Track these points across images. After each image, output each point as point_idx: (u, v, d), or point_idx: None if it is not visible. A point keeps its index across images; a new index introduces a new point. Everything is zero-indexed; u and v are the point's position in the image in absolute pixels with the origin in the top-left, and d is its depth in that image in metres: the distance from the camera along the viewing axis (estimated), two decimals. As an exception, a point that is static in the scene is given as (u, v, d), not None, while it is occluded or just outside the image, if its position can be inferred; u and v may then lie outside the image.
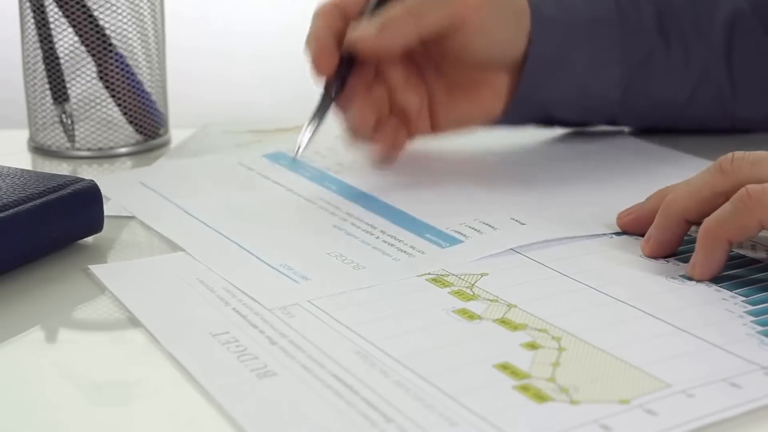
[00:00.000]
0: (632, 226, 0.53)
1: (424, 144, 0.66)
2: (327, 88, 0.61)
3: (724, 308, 0.45)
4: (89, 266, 0.52)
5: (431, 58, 0.65)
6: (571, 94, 0.66)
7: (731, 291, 0.47)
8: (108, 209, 0.57)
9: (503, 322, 0.44)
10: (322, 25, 0.62)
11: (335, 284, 0.48)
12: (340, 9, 0.62)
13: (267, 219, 0.57)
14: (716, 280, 0.48)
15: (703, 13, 0.68)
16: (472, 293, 0.47)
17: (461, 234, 0.53)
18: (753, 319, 0.44)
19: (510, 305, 0.46)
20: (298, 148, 0.61)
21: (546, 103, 0.66)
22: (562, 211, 0.57)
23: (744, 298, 0.46)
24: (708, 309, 0.45)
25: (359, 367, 0.41)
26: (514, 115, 0.66)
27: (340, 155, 0.65)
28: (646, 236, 0.51)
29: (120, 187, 0.62)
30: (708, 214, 0.48)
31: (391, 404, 0.38)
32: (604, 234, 0.54)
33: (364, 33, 0.60)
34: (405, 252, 0.52)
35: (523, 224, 0.54)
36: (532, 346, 0.42)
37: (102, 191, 0.55)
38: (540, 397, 0.38)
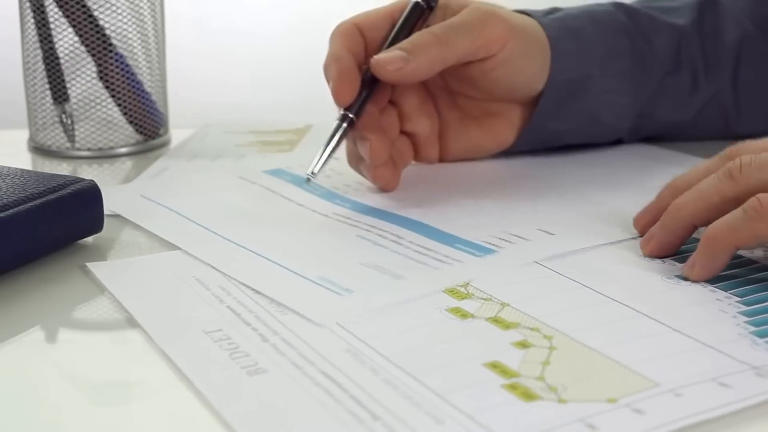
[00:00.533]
0: (666, 254, 0.52)
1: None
2: (345, 112, 0.60)
3: (718, 308, 0.46)
4: (87, 263, 0.52)
5: (446, 86, 0.65)
6: (583, 122, 0.67)
7: (726, 291, 0.47)
8: (108, 209, 0.57)
9: (496, 320, 0.45)
10: (343, 48, 0.60)
11: (382, 296, 0.47)
12: (360, 30, 0.62)
13: (287, 232, 0.56)
14: (712, 280, 0.48)
15: (711, 40, 0.69)
16: (466, 292, 0.48)
17: (493, 245, 0.53)
18: (747, 319, 0.44)
19: (503, 304, 0.46)
20: (312, 171, 0.59)
21: (557, 131, 0.67)
22: (585, 219, 0.57)
23: (738, 299, 0.46)
24: (702, 309, 0.46)
25: (349, 365, 0.41)
26: (524, 143, 0.67)
27: (346, 176, 0.64)
28: (647, 235, 0.52)
29: (123, 201, 0.61)
30: (715, 219, 0.48)
31: (378, 402, 0.38)
32: (632, 238, 0.54)
33: (391, 59, 0.59)
34: (441, 261, 0.51)
35: (552, 234, 0.54)
36: (523, 344, 0.42)
37: (106, 207, 0.56)
38: (528, 396, 0.38)
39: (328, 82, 0.60)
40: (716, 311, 0.45)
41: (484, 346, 0.42)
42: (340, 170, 0.65)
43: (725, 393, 0.38)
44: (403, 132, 0.63)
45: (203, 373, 0.41)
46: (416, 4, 0.62)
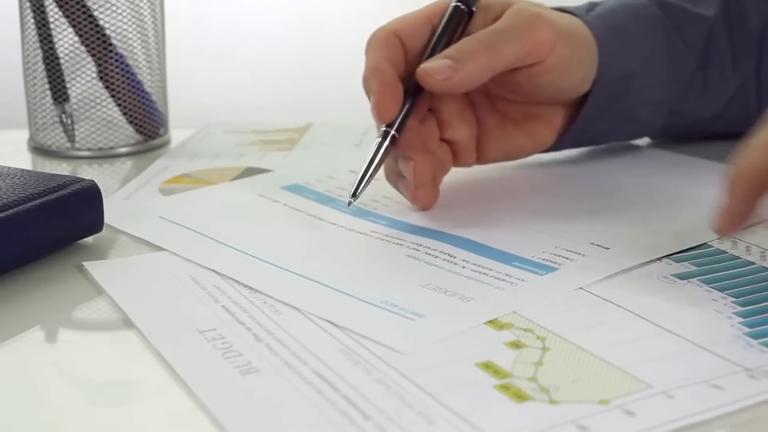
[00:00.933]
0: (736, 225, 0.48)
1: (462, 171, 0.64)
2: (387, 129, 0.56)
3: (713, 309, 0.46)
4: (83, 262, 0.52)
5: (485, 91, 0.62)
6: (623, 122, 0.66)
7: (722, 292, 0.47)
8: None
9: (490, 321, 0.45)
10: (382, 58, 0.57)
11: (457, 320, 0.45)
12: (399, 37, 0.58)
13: (331, 254, 0.53)
14: (707, 280, 0.48)
15: (738, 30, 0.67)
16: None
17: (551, 262, 0.51)
18: (741, 320, 0.45)
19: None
20: (354, 195, 0.55)
21: (598, 132, 0.65)
22: (633, 230, 0.55)
23: (734, 299, 0.46)
24: (696, 310, 0.46)
25: (342, 365, 0.41)
26: (564, 145, 0.65)
27: (370, 191, 0.58)
28: (720, 213, 0.47)
29: (142, 224, 0.58)
30: None
31: (370, 402, 0.38)
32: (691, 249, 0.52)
33: (439, 68, 0.55)
34: (504, 281, 0.49)
35: (606, 248, 0.52)
36: (516, 345, 0.43)
37: (119, 226, 0.55)
38: (520, 397, 0.39)
39: (368, 95, 0.56)
40: (711, 312, 0.45)
41: (478, 347, 0.43)
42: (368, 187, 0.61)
43: (717, 395, 0.39)
44: (441, 139, 0.60)
45: (196, 372, 0.41)
46: (456, 8, 0.59)
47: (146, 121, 0.75)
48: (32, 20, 0.72)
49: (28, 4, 0.72)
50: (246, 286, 0.48)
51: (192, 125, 0.81)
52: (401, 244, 0.53)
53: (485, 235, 0.54)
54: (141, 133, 0.75)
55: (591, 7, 0.65)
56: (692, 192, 0.60)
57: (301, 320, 0.45)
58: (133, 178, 0.68)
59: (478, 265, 0.50)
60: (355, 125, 0.80)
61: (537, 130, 0.63)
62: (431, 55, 0.58)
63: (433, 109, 0.59)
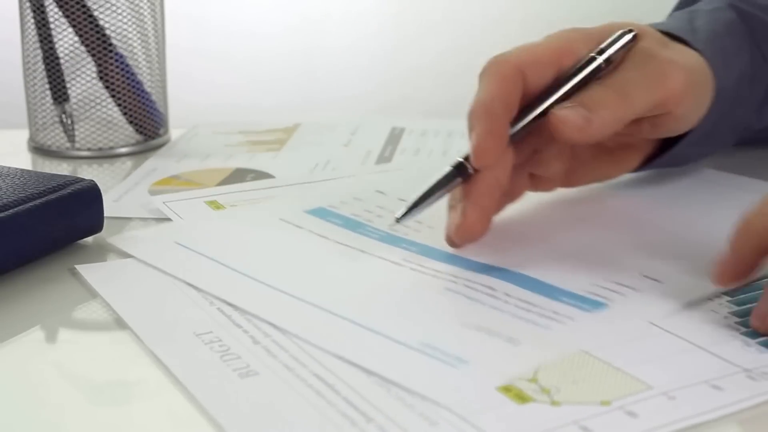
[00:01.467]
0: (737, 279, 0.46)
1: None
2: (464, 162, 0.51)
3: (709, 308, 0.46)
4: (75, 266, 0.52)
5: None
6: (710, 145, 0.62)
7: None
8: (108, 210, 0.57)
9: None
10: (498, 97, 0.51)
11: (503, 368, 0.41)
12: (523, 74, 0.52)
13: (363, 286, 0.49)
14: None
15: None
16: None
17: (600, 296, 0.47)
18: (738, 319, 0.44)
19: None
20: (402, 216, 0.51)
21: (684, 157, 0.62)
22: (684, 261, 0.50)
23: (730, 298, 0.46)
24: (693, 309, 0.46)
25: (341, 367, 0.41)
26: (648, 168, 0.61)
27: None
28: (718, 265, 0.46)
29: (154, 249, 0.53)
30: None
31: (371, 404, 0.38)
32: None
33: (573, 117, 0.50)
34: (552, 319, 0.45)
35: (660, 282, 0.48)
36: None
37: (133, 253, 0.52)
38: (521, 398, 0.39)
39: (469, 132, 0.51)
40: (708, 311, 0.45)
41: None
42: (391, 206, 0.58)
43: (718, 396, 0.39)
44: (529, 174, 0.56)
45: (195, 375, 0.41)
46: (593, 59, 0.53)
47: (146, 121, 0.75)
48: (32, 20, 0.72)
49: (28, 4, 0.72)
50: (271, 323, 0.45)
51: (192, 125, 0.81)
52: (437, 276, 0.49)
53: (527, 265, 0.50)
54: (141, 133, 0.75)
55: (690, 24, 0.60)
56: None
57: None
58: (134, 178, 0.68)
59: (522, 300, 0.46)
60: (344, 124, 0.80)
61: (628, 157, 0.59)
62: (558, 100, 0.52)
63: (531, 144, 0.54)
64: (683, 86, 0.54)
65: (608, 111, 0.51)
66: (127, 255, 0.54)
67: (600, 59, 0.53)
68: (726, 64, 0.59)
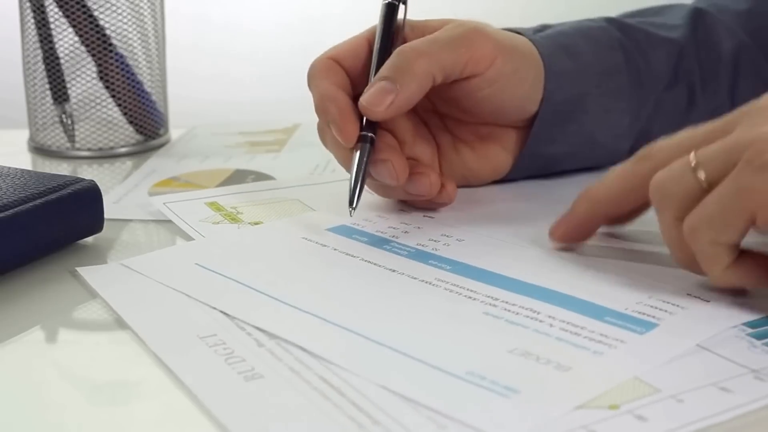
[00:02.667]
0: (570, 236, 0.52)
1: (527, 212, 0.59)
2: (364, 132, 0.56)
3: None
4: (76, 268, 0.51)
5: (433, 108, 0.61)
6: (581, 145, 0.64)
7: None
8: (108, 212, 0.57)
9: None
10: (330, 86, 0.57)
11: (558, 398, 0.39)
12: (339, 63, 0.58)
13: (396, 309, 0.47)
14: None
15: (707, 53, 0.67)
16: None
17: (648, 315, 0.45)
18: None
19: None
20: (353, 207, 0.54)
21: (555, 156, 0.63)
22: None
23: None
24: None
25: (346, 370, 0.41)
26: (520, 170, 0.63)
27: (425, 229, 0.56)
28: (556, 224, 0.52)
29: (174, 270, 0.51)
30: (626, 205, 0.50)
31: (378, 406, 0.38)
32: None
33: (377, 97, 0.55)
34: (602, 343, 0.42)
35: (706, 301, 0.46)
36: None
37: (152, 276, 0.50)
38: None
39: (327, 125, 0.56)
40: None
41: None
42: (416, 223, 0.57)
43: (726, 398, 0.38)
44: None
45: (200, 379, 0.40)
46: (388, 4, 0.59)
47: (146, 121, 0.75)
48: (32, 20, 0.72)
49: (28, 4, 0.72)
50: (307, 351, 0.42)
51: (192, 124, 0.81)
52: (474, 298, 0.47)
53: (567, 282, 0.48)
54: (141, 133, 0.75)
55: (542, 28, 0.64)
56: None
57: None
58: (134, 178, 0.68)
59: (568, 323, 0.44)
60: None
61: (491, 153, 0.61)
62: (378, 66, 0.57)
63: (387, 130, 0.58)
64: (490, 50, 0.57)
65: (411, 75, 0.55)
66: (128, 256, 0.53)
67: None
68: (576, 61, 0.61)
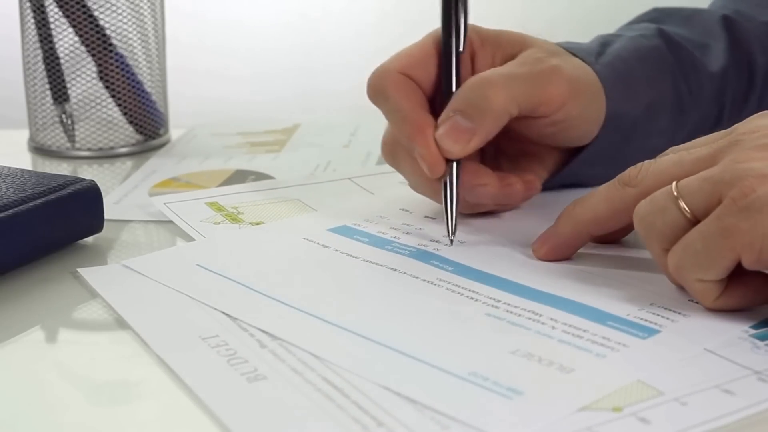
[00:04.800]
0: (554, 255, 0.51)
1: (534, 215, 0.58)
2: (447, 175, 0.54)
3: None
4: (78, 269, 0.51)
5: None
6: (618, 167, 0.60)
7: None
8: (108, 213, 0.57)
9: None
10: (414, 110, 0.54)
11: (561, 399, 0.39)
12: (410, 76, 0.55)
13: (398, 309, 0.47)
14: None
15: (743, 71, 0.65)
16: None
17: (650, 322, 0.44)
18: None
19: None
20: (452, 237, 0.53)
21: (590, 176, 0.61)
22: None
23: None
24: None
25: (350, 370, 0.41)
26: (555, 183, 0.61)
27: (426, 230, 0.56)
28: (540, 239, 0.51)
29: (175, 271, 0.51)
30: (609, 227, 0.50)
31: (381, 407, 0.38)
32: None
33: (452, 138, 0.53)
34: (604, 346, 0.42)
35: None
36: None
37: (153, 276, 0.50)
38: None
39: (407, 151, 0.54)
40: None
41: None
42: (417, 224, 0.57)
43: (730, 400, 0.38)
44: None
45: (202, 379, 0.40)
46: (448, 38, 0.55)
47: (146, 121, 0.75)
48: (32, 20, 0.72)
49: (28, 4, 0.72)
50: (311, 353, 0.42)
51: (191, 123, 0.81)
52: (476, 299, 0.47)
53: (568, 288, 0.48)
54: (141, 133, 0.75)
55: (602, 48, 0.62)
56: None
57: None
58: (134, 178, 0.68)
59: (570, 326, 0.44)
60: (343, 125, 0.80)
61: (529, 168, 0.60)
62: (447, 85, 0.55)
63: None
64: (564, 93, 0.55)
65: (488, 116, 0.53)
66: (128, 256, 0.53)
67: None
68: (629, 88, 0.60)
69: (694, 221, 0.44)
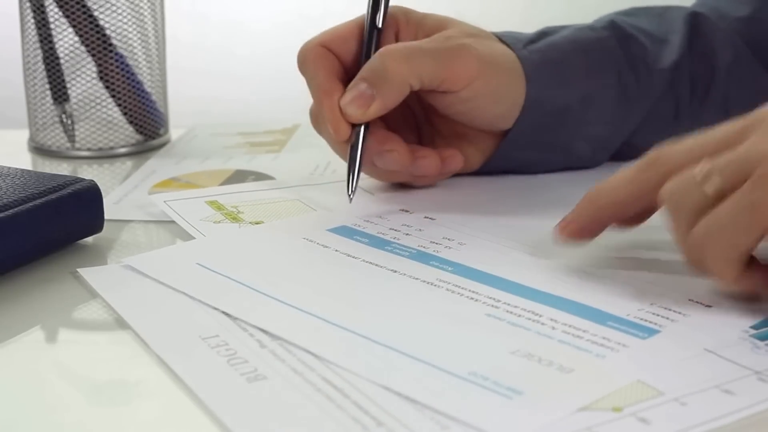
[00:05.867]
0: (577, 237, 0.50)
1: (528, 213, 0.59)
2: (353, 137, 0.58)
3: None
4: (78, 269, 0.51)
5: (420, 102, 0.62)
6: (554, 154, 0.64)
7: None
8: (108, 213, 0.56)
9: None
10: (325, 79, 0.58)
11: (561, 399, 0.38)
12: (330, 49, 0.59)
13: (398, 310, 0.46)
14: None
15: (702, 66, 0.66)
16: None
17: (650, 322, 0.44)
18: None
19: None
20: (350, 193, 0.57)
21: (526, 161, 0.64)
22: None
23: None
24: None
25: (349, 370, 0.40)
26: (490, 168, 0.64)
27: (426, 231, 0.56)
28: (563, 222, 0.50)
29: (175, 270, 0.51)
30: (632, 210, 0.49)
31: (381, 407, 0.38)
32: None
33: (354, 103, 0.57)
34: (604, 346, 0.42)
35: (708, 306, 0.46)
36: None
37: (153, 275, 0.50)
38: (533, 404, 0.38)
39: (319, 113, 0.58)
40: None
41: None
42: (417, 225, 0.57)
43: (730, 400, 0.38)
44: None
45: (202, 380, 0.40)
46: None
47: (146, 121, 0.75)
48: (32, 20, 0.72)
49: (28, 4, 0.72)
50: (310, 352, 0.42)
51: (191, 122, 0.81)
52: (476, 299, 0.47)
53: (568, 287, 0.48)
54: (141, 133, 0.75)
55: (539, 36, 0.63)
56: None
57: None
58: (134, 178, 0.68)
59: (570, 326, 0.44)
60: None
61: (464, 150, 0.62)
62: (366, 58, 0.59)
63: (381, 118, 0.59)
64: (470, 70, 0.57)
65: (389, 83, 0.56)
66: (128, 256, 0.53)
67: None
68: (561, 77, 0.61)
69: (721, 199, 0.44)
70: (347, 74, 0.59)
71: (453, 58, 0.57)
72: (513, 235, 0.55)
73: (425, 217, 0.58)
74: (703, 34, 0.67)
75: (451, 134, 0.62)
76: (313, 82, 0.59)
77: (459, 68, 0.57)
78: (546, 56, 0.61)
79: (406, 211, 0.59)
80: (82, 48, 0.72)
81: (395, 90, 0.57)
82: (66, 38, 0.72)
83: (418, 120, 0.63)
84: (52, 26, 0.71)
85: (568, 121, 0.62)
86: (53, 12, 0.71)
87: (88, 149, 0.73)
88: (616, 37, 0.64)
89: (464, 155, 0.62)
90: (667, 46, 0.66)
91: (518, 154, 0.63)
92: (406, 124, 0.62)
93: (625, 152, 0.65)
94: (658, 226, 0.52)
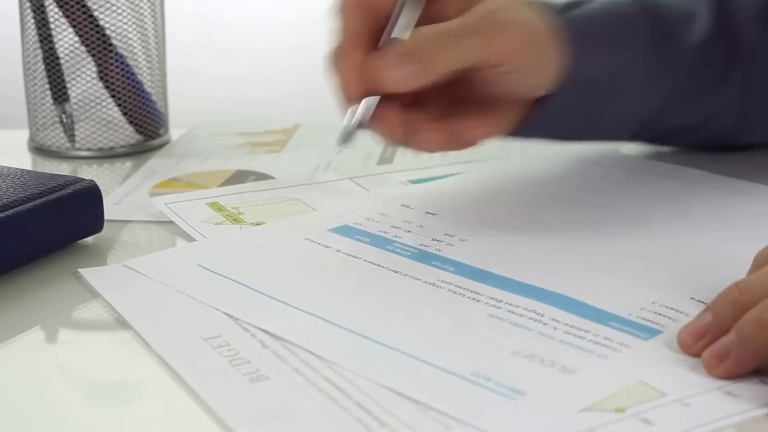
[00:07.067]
0: (722, 357, 0.41)
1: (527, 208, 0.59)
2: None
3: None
4: (78, 269, 0.51)
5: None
6: (583, 125, 0.64)
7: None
8: (109, 213, 0.56)
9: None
10: (355, 34, 0.55)
11: (564, 400, 0.38)
12: (369, 6, 0.56)
13: (400, 310, 0.46)
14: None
15: (728, 47, 0.65)
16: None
17: (652, 322, 0.44)
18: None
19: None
20: (345, 136, 0.55)
21: (554, 132, 0.63)
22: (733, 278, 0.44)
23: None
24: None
25: (352, 371, 0.40)
26: (519, 136, 0.62)
27: (427, 228, 0.56)
28: (716, 352, 0.41)
29: (176, 272, 0.51)
30: None
31: (384, 408, 0.38)
32: None
33: (393, 68, 0.53)
34: (606, 346, 0.42)
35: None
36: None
37: (154, 277, 0.50)
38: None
39: (335, 62, 0.55)
40: None
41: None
42: (418, 221, 0.57)
43: (732, 402, 0.38)
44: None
45: (204, 380, 0.40)
46: None
47: (146, 121, 0.75)
48: (32, 20, 0.72)
49: (28, 4, 0.72)
50: (313, 353, 0.42)
51: (191, 122, 0.81)
52: (478, 299, 0.47)
53: (570, 286, 0.48)
54: (141, 133, 0.75)
55: (571, 5, 0.62)
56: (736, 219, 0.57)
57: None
58: (134, 178, 0.68)
59: (571, 326, 0.44)
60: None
61: (492, 118, 0.60)
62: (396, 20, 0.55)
63: None
64: (514, 45, 0.56)
65: (431, 60, 0.53)
66: (128, 256, 0.53)
67: None
68: (597, 48, 0.60)
69: None
70: (382, 26, 0.56)
71: (495, 35, 0.55)
72: (514, 232, 0.55)
73: (426, 212, 0.58)
74: (726, 17, 0.66)
75: (480, 102, 0.60)
76: (343, 28, 0.55)
77: (502, 45, 0.55)
78: (583, 25, 0.61)
79: (407, 206, 0.59)
80: (82, 48, 0.72)
81: (438, 68, 0.54)
82: (66, 38, 0.72)
83: (447, 86, 0.59)
84: (52, 26, 0.71)
85: (600, 94, 0.62)
86: (53, 12, 0.71)
87: (88, 149, 0.73)
88: (645, 12, 0.64)
89: (491, 122, 0.60)
90: (695, 23, 0.65)
91: (551, 124, 0.62)
92: (431, 90, 0.58)
93: (650, 128, 0.66)
94: (659, 229, 0.52)
